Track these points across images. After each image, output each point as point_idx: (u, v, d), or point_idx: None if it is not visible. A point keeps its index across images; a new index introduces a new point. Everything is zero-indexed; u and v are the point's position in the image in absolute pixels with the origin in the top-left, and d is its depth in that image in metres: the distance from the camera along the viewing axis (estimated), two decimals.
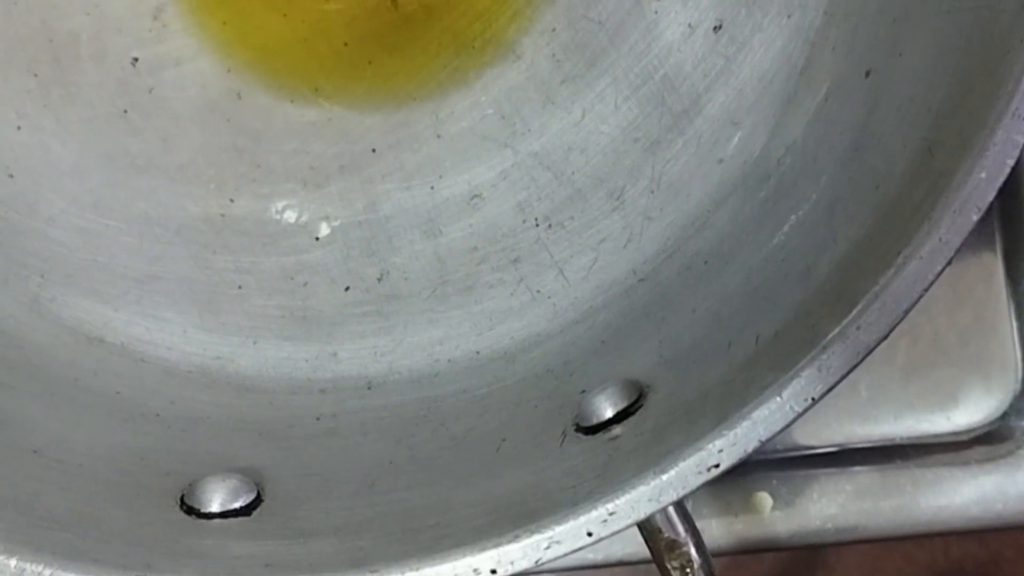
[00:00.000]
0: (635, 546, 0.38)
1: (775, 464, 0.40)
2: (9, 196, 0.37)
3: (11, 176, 0.37)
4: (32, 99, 0.37)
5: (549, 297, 0.35)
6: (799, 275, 0.28)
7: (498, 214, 0.37)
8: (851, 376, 0.37)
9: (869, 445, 0.40)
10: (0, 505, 0.27)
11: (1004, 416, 0.40)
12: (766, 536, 0.40)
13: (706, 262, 0.33)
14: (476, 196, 0.37)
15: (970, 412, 0.40)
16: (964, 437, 0.40)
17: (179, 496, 0.29)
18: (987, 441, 0.40)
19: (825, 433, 0.40)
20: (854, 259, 0.27)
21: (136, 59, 0.38)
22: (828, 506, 0.40)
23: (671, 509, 0.28)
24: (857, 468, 0.40)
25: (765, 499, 0.40)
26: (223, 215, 0.38)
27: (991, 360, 0.40)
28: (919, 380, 0.40)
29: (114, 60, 0.38)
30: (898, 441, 0.40)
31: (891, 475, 0.40)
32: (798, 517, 0.40)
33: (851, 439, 0.40)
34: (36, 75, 0.38)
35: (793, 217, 0.30)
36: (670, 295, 0.33)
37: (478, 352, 0.35)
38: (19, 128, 0.37)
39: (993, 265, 0.39)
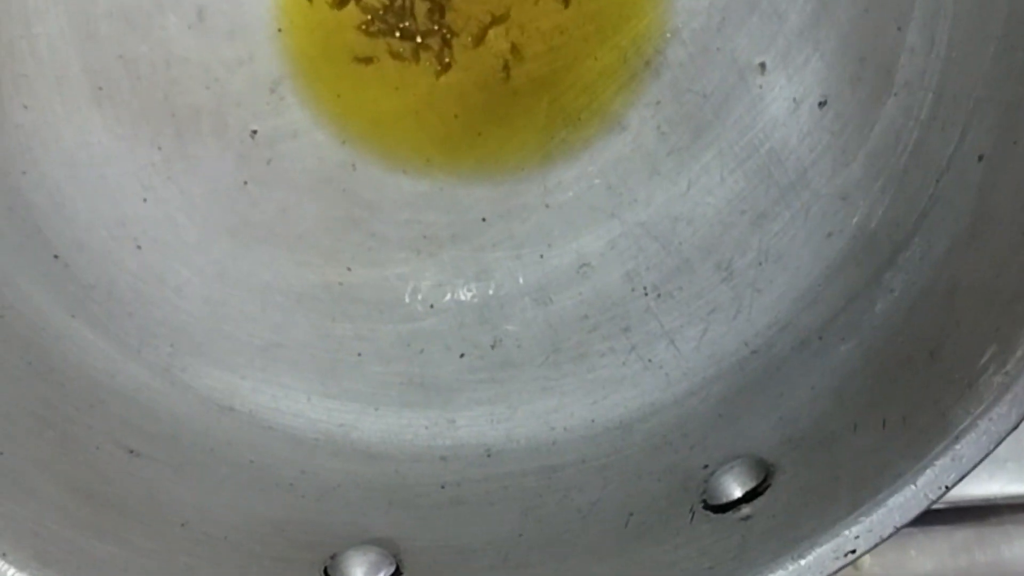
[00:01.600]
0: None
1: None
2: (138, 267, 0.38)
3: (139, 247, 0.38)
4: (156, 172, 0.39)
5: (661, 367, 0.36)
6: (923, 359, 0.29)
7: (607, 283, 0.38)
8: None
9: (966, 504, 0.41)
10: None
11: None
12: None
13: (820, 337, 0.34)
14: (585, 265, 0.38)
15: None
16: None
17: (323, 569, 0.31)
18: None
19: None
20: (980, 347, 0.28)
21: (255, 132, 0.39)
22: (925, 562, 0.41)
23: None
24: (953, 526, 0.41)
25: (863, 557, 0.41)
26: (341, 283, 0.39)
27: None
28: (1014, 439, 0.41)
29: (234, 133, 0.40)
30: (993, 500, 0.41)
31: (986, 533, 0.41)
32: (896, 574, 0.41)
33: (948, 498, 0.41)
34: (160, 148, 0.39)
35: (912, 300, 0.31)
36: (785, 370, 0.34)
37: (593, 421, 0.36)
38: (145, 200, 0.39)
39: None
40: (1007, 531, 0.40)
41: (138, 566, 0.29)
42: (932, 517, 0.39)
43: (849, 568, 0.40)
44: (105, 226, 0.38)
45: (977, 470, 0.41)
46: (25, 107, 0.38)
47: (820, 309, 0.35)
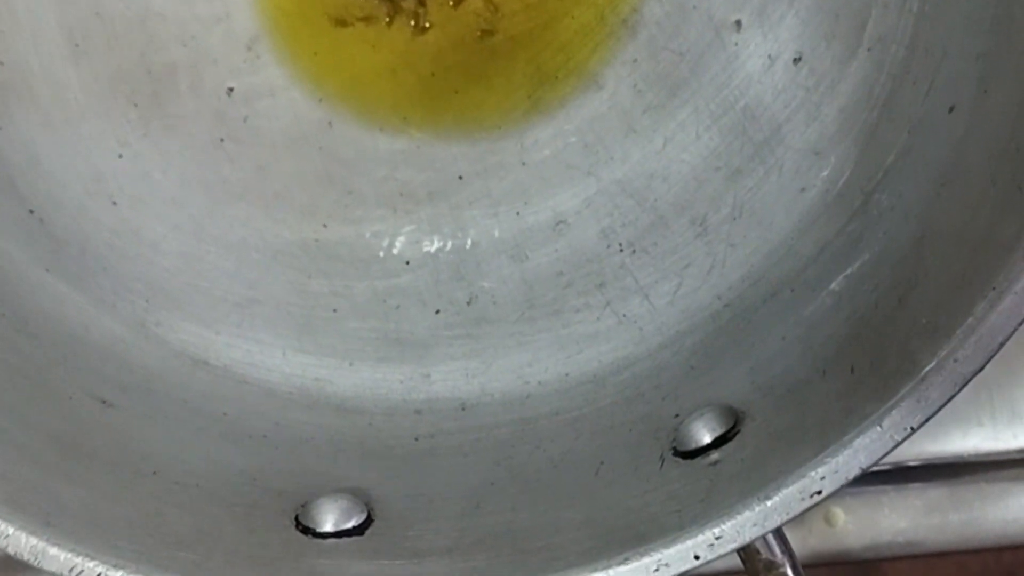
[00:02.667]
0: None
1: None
2: (114, 223, 0.38)
3: (114, 203, 0.38)
4: (133, 129, 0.39)
5: (635, 322, 0.36)
6: (892, 306, 0.29)
7: (583, 240, 0.38)
8: None
9: (939, 462, 0.41)
10: (128, 527, 0.29)
11: None
12: (839, 549, 0.41)
13: (792, 290, 0.34)
14: (561, 222, 0.38)
15: None
16: None
17: (294, 516, 0.31)
18: None
19: (897, 450, 0.41)
20: (947, 292, 0.28)
21: (231, 89, 0.39)
22: (899, 520, 0.41)
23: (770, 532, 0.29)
24: (927, 484, 0.41)
25: (838, 513, 0.41)
26: (317, 240, 0.39)
27: None
28: (987, 398, 0.41)
29: (210, 90, 0.40)
30: (967, 458, 0.41)
31: (960, 491, 0.41)
32: (869, 531, 0.41)
33: (921, 456, 0.41)
34: (136, 105, 0.39)
35: (881, 249, 0.31)
36: (757, 321, 0.34)
37: (567, 375, 0.36)
38: (120, 157, 0.39)
39: None
40: (980, 489, 0.41)
41: (107, 511, 0.29)
42: (906, 475, 0.40)
43: (823, 525, 0.41)
44: (80, 182, 0.38)
45: (952, 429, 0.41)
46: (1, 63, 0.38)
47: (792, 262, 0.35)
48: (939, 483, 0.41)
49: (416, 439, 0.35)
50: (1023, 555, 0.60)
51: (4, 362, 0.32)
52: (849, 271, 0.32)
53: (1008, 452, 0.41)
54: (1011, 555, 0.60)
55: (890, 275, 0.31)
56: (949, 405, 0.41)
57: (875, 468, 0.41)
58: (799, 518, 0.41)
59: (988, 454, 0.41)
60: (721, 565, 0.39)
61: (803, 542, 0.40)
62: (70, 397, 0.33)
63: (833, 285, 0.32)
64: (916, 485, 0.41)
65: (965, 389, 0.41)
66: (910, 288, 0.29)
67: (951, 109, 0.32)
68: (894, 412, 0.26)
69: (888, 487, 0.41)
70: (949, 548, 0.40)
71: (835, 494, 0.27)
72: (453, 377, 0.37)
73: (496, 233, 0.38)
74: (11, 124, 0.38)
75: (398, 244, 0.39)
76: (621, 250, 0.37)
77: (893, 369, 0.27)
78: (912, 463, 0.41)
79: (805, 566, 0.40)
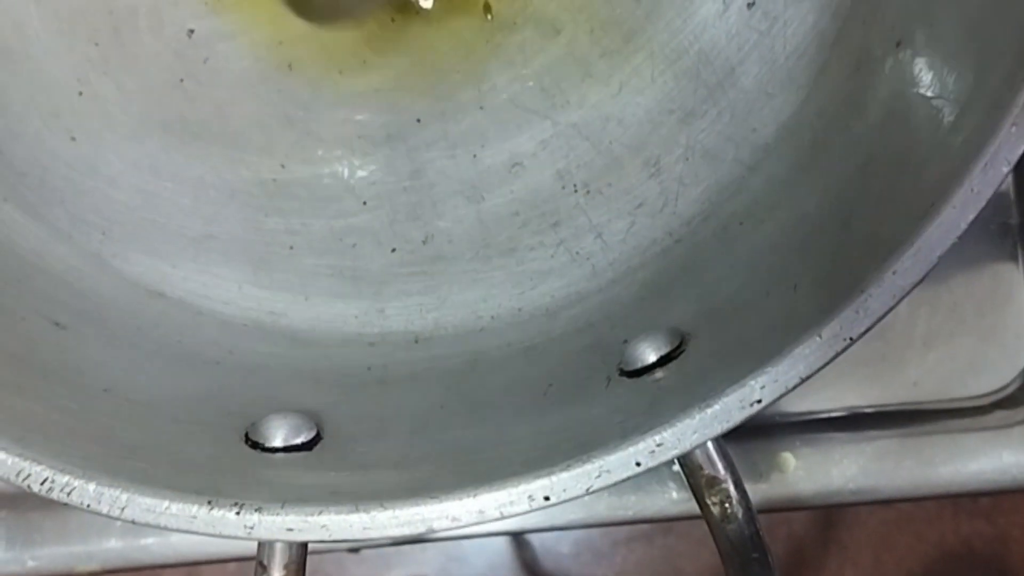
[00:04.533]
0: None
1: (799, 427, 0.42)
2: (72, 157, 0.38)
3: (73, 139, 0.39)
4: (93, 66, 0.39)
5: (588, 259, 0.37)
6: (836, 228, 0.30)
7: (538, 181, 0.38)
8: (872, 343, 0.39)
9: (889, 410, 0.42)
10: (77, 438, 0.29)
11: (1021, 384, 0.42)
12: (790, 495, 0.41)
13: (741, 223, 0.35)
14: (517, 164, 0.38)
15: (987, 379, 0.41)
16: (981, 403, 0.42)
17: (243, 433, 0.31)
18: (1003, 407, 0.41)
19: (847, 397, 0.42)
20: (889, 211, 0.28)
21: (192, 31, 0.40)
22: (849, 467, 0.41)
23: (712, 448, 0.30)
24: (878, 432, 0.42)
25: (788, 459, 0.41)
26: (275, 180, 0.39)
27: (1007, 329, 0.41)
28: (938, 347, 0.42)
29: (171, 31, 0.40)
30: (917, 406, 0.42)
31: (910, 439, 0.42)
32: (820, 478, 0.41)
33: (872, 403, 0.41)
34: (97, 44, 0.39)
35: (828, 178, 0.32)
36: (706, 254, 0.35)
37: (520, 309, 0.37)
38: (80, 94, 0.39)
39: (1010, 238, 0.41)
40: (931, 438, 0.41)
41: (58, 423, 0.29)
42: (858, 422, 0.40)
43: (775, 472, 0.41)
44: (40, 116, 0.39)
45: (903, 377, 0.42)
46: None
47: (742, 198, 0.35)
48: (890, 431, 0.41)
49: (369, 368, 0.35)
50: (979, 525, 0.61)
51: None
52: (797, 201, 0.32)
53: (958, 400, 0.42)
54: (967, 526, 0.61)
55: (836, 201, 0.31)
56: (899, 353, 0.42)
57: (826, 415, 0.42)
58: (751, 465, 0.41)
59: (938, 402, 0.42)
60: (678, 510, 0.40)
61: (754, 488, 0.41)
62: (22, 318, 0.33)
63: (781, 215, 0.33)
64: (867, 433, 0.41)
65: (916, 339, 0.42)
66: (854, 210, 0.30)
67: (898, 44, 0.33)
68: (833, 322, 0.27)
69: (840, 434, 0.41)
70: (899, 496, 0.41)
71: (774, 404, 0.27)
72: (407, 312, 0.37)
73: (453, 174, 0.39)
74: None
75: (355, 185, 0.39)
76: (576, 191, 0.38)
77: (836, 286, 0.28)
78: (865, 410, 0.42)
79: (760, 512, 0.41)
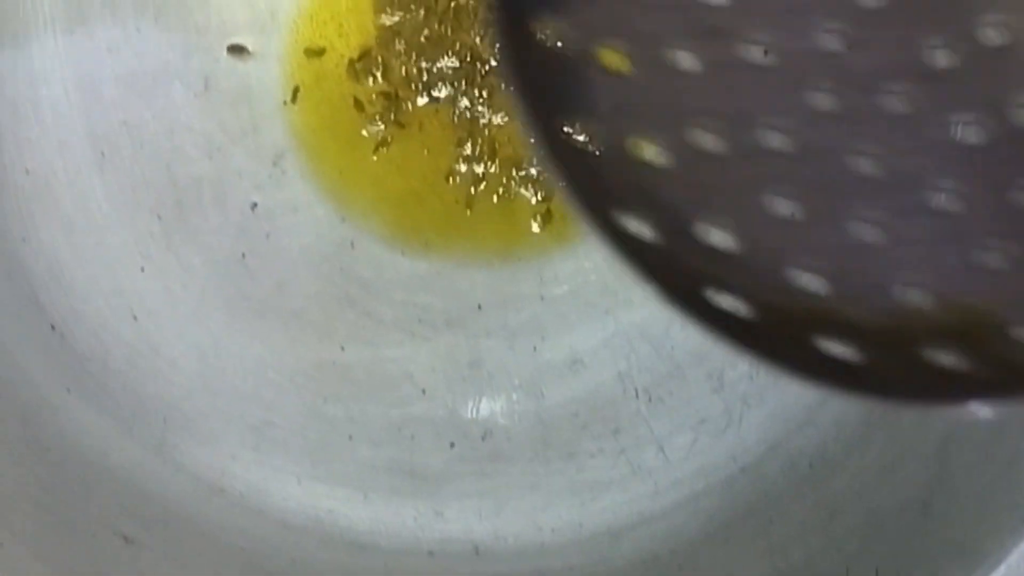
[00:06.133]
0: None
1: None
2: (134, 338, 0.38)
3: (135, 318, 0.39)
4: (155, 241, 0.39)
5: (650, 475, 0.37)
6: (916, 511, 0.30)
7: (599, 382, 0.38)
8: None
9: None
10: None
11: None
12: None
13: (811, 465, 0.35)
14: (577, 361, 0.38)
15: None
16: None
17: None
18: None
19: None
20: (974, 507, 0.29)
21: (255, 204, 0.39)
22: None
23: None
24: None
25: None
26: (334, 362, 0.39)
27: None
28: None
29: (234, 205, 0.40)
30: None
31: None
32: None
33: None
34: (160, 217, 0.39)
35: (902, 437, 0.32)
36: (774, 493, 0.35)
37: (581, 524, 0.37)
38: (143, 270, 0.39)
39: None
40: None
41: None
42: None
43: None
44: (102, 295, 0.39)
45: None
46: (27, 171, 0.38)
47: (811, 433, 0.35)
48: None
49: None
50: None
51: (30, 497, 0.33)
52: (869, 462, 0.32)
53: None
54: None
55: (913, 473, 0.31)
56: None
57: None
58: None
59: None
60: None
61: None
62: (93, 534, 0.33)
63: (853, 469, 0.33)
64: None
65: None
66: (934, 493, 0.30)
67: None
68: None
69: None
70: None
71: None
72: (466, 516, 0.38)
73: (512, 367, 0.39)
74: (35, 235, 0.38)
75: (415, 371, 0.39)
76: (637, 396, 0.38)
77: None
78: None
79: None
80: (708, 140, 0.23)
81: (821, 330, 0.22)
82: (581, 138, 0.23)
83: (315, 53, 0.39)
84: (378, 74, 0.40)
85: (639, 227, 0.22)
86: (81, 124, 0.39)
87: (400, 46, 0.39)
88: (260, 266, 0.40)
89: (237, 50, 0.40)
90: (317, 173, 0.40)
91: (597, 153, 0.23)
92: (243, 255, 0.40)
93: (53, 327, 0.38)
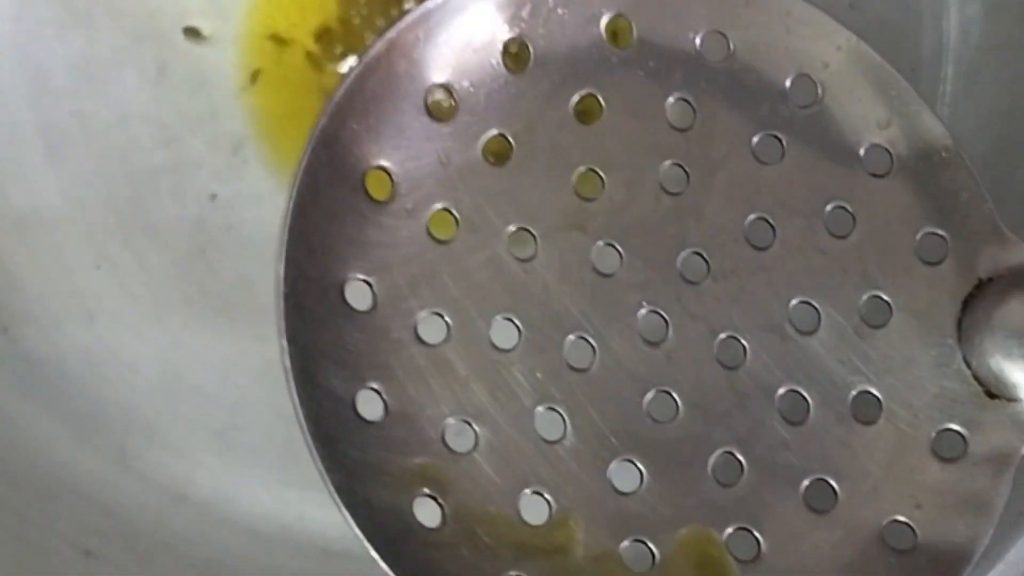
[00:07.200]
0: None
1: None
2: (91, 340, 0.37)
3: (91, 319, 0.37)
4: (111, 237, 0.38)
5: None
6: None
7: None
8: None
9: None
10: None
11: None
12: None
13: None
14: None
15: None
16: None
17: None
18: None
19: None
20: None
21: (215, 195, 0.38)
22: None
23: None
24: None
25: None
26: None
27: None
28: None
29: (192, 197, 0.38)
30: None
31: None
32: None
33: None
34: (115, 212, 0.38)
35: None
36: None
37: None
38: (99, 268, 0.37)
39: None
40: None
41: None
42: None
43: None
44: (56, 295, 0.37)
45: None
46: None
47: None
48: None
49: None
50: None
51: None
52: None
53: None
54: None
55: None
56: None
57: None
58: None
59: None
60: None
61: None
62: (55, 552, 0.32)
63: None
64: None
65: None
66: None
67: None
68: None
69: None
70: None
71: None
72: None
73: None
74: None
75: None
76: None
77: None
78: None
79: None
80: None
81: None
82: None
83: (274, 34, 0.38)
84: (340, 50, 0.38)
85: None
86: (29, 115, 0.37)
87: (361, 13, 0.37)
88: (221, 260, 0.38)
89: (193, 33, 0.38)
90: (280, 162, 0.38)
91: None
92: (203, 250, 0.38)
93: (5, 330, 0.36)
